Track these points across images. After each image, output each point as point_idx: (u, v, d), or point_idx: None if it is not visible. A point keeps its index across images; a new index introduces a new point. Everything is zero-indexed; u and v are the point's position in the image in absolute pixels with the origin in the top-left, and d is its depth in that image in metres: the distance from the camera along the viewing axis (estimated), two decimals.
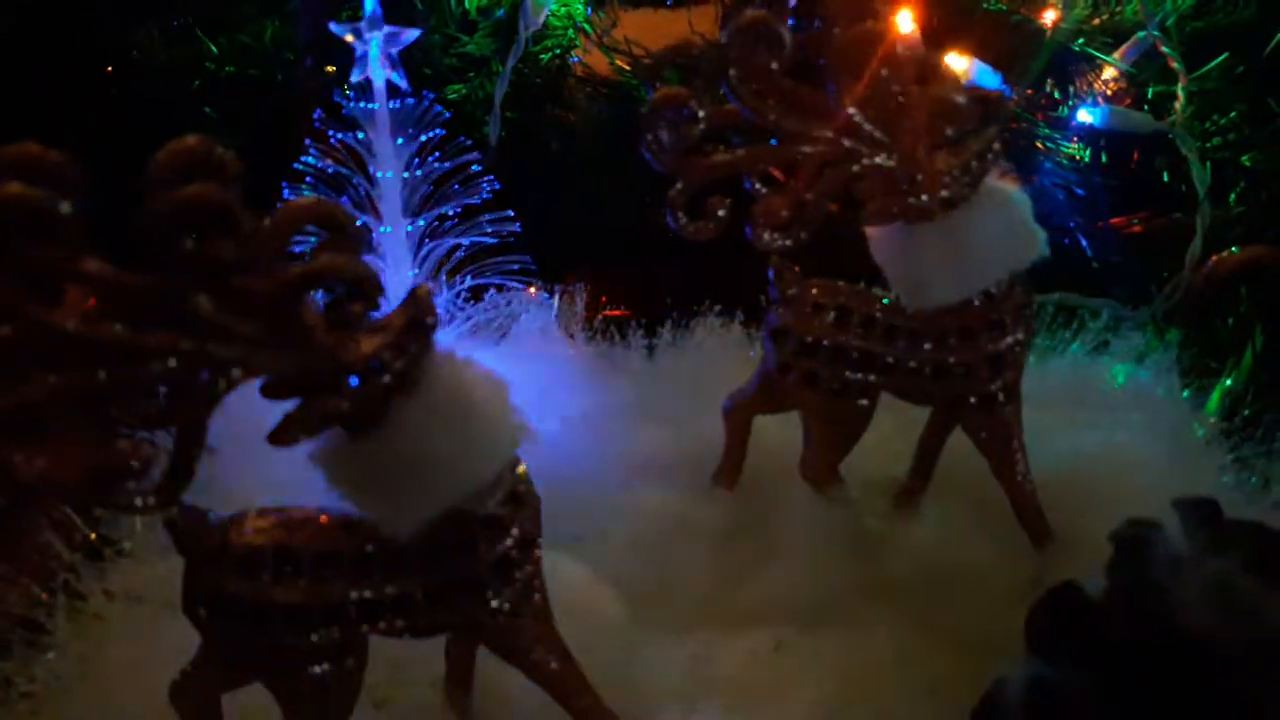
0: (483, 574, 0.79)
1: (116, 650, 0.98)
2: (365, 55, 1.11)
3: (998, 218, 0.98)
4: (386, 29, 1.09)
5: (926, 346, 1.04)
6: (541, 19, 1.59)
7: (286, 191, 1.19)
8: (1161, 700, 0.69)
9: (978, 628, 1.00)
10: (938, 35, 1.50)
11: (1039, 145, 1.76)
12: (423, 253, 1.25)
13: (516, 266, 1.33)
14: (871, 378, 1.06)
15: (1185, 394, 1.32)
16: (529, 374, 1.36)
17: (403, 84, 1.13)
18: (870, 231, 1.01)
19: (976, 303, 1.02)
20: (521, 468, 0.83)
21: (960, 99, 0.92)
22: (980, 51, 1.59)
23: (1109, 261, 1.74)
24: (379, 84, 1.12)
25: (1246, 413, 1.30)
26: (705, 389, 1.29)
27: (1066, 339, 1.41)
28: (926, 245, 0.98)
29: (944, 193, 0.96)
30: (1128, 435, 1.20)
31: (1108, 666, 0.73)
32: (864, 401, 1.07)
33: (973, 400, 1.06)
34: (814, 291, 1.06)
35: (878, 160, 0.94)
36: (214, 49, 1.71)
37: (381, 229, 1.20)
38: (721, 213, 0.95)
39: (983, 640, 0.98)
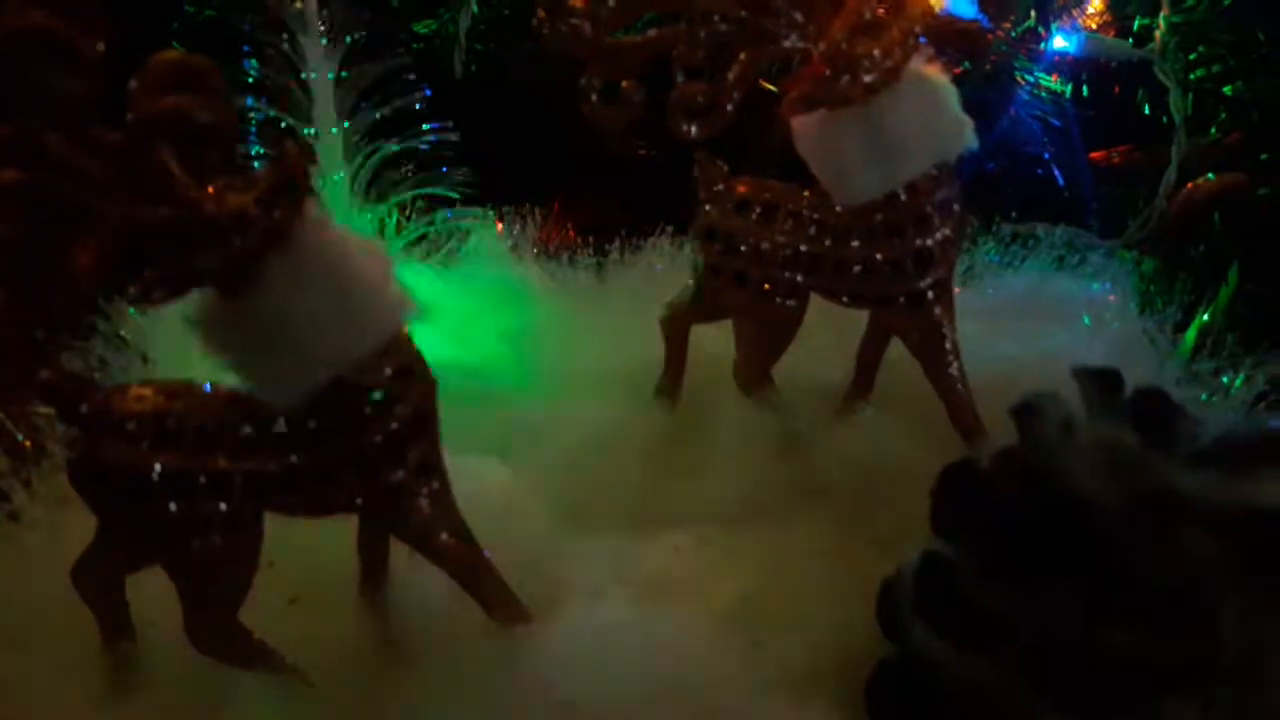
0: (371, 451, 0.78)
1: (31, 540, 0.98)
2: None
3: (922, 106, 0.96)
4: None
5: (854, 244, 1.02)
6: None
7: None
8: (1046, 564, 0.67)
9: (904, 523, 0.98)
10: None
11: (1018, 78, 1.73)
12: (357, 159, 1.24)
13: (460, 179, 1.31)
14: (799, 277, 1.04)
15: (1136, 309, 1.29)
16: (473, 289, 1.36)
17: None
18: (794, 123, 0.99)
19: (902, 196, 0.99)
20: (414, 343, 0.82)
21: None
22: None
23: (1083, 193, 1.72)
24: None
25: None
26: (653, 306, 1.28)
27: (1021, 255, 1.38)
28: (848, 134, 0.96)
29: (865, 78, 0.93)
30: (1074, 341, 1.18)
31: (995, 536, 0.71)
32: (792, 302, 1.05)
33: (901, 299, 1.04)
34: (740, 188, 1.04)
35: (795, 42, 0.92)
36: None
37: (304, 131, 1.19)
38: (636, 98, 0.93)
39: (909, 534, 0.96)
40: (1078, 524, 0.65)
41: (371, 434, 0.78)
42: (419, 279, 1.34)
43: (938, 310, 1.04)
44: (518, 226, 1.41)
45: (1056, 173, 1.74)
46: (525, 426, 1.17)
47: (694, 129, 0.93)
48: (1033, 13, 1.73)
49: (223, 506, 0.77)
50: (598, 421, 1.17)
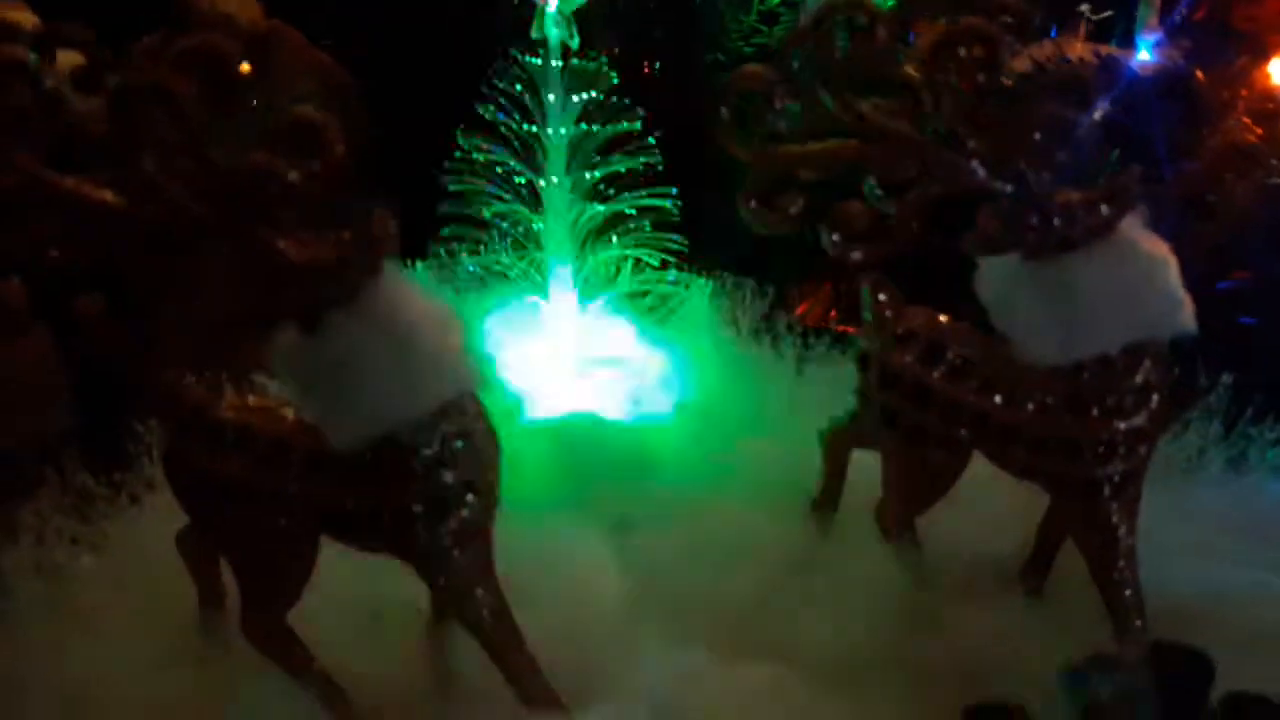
0: (413, 504, 0.80)
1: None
2: (543, 11, 1.13)
3: (1124, 272, 0.81)
4: None
5: (1028, 408, 0.89)
6: None
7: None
8: None
9: None
10: None
11: None
12: (577, 210, 1.26)
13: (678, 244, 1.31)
14: (958, 432, 0.93)
15: None
16: (668, 353, 1.35)
17: (573, 42, 1.14)
18: (982, 264, 0.89)
19: (1089, 370, 0.85)
20: (483, 411, 0.82)
21: (1066, 116, 0.77)
22: None
23: None
24: (553, 41, 1.14)
25: None
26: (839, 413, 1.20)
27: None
28: (1033, 287, 0.84)
29: (1061, 228, 0.82)
30: None
31: None
32: (945, 454, 0.94)
33: (1074, 485, 0.89)
34: (908, 319, 0.95)
35: (984, 179, 0.82)
36: None
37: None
38: (794, 210, 0.88)
39: None
40: None
41: (415, 492, 0.80)
42: (622, 332, 1.36)
43: (1115, 507, 0.88)
44: (736, 299, 1.39)
45: None
46: (656, 506, 1.14)
47: (850, 251, 0.86)
48: None
49: (281, 520, 0.83)
50: (731, 523, 1.11)
